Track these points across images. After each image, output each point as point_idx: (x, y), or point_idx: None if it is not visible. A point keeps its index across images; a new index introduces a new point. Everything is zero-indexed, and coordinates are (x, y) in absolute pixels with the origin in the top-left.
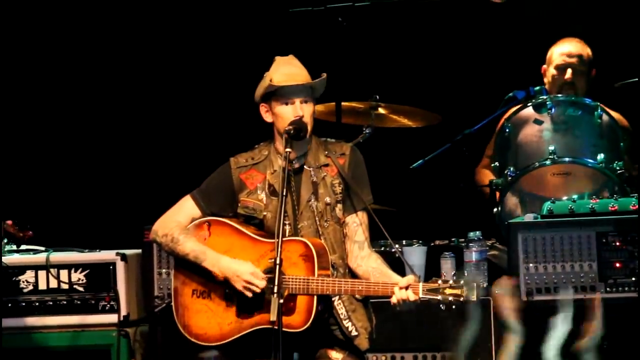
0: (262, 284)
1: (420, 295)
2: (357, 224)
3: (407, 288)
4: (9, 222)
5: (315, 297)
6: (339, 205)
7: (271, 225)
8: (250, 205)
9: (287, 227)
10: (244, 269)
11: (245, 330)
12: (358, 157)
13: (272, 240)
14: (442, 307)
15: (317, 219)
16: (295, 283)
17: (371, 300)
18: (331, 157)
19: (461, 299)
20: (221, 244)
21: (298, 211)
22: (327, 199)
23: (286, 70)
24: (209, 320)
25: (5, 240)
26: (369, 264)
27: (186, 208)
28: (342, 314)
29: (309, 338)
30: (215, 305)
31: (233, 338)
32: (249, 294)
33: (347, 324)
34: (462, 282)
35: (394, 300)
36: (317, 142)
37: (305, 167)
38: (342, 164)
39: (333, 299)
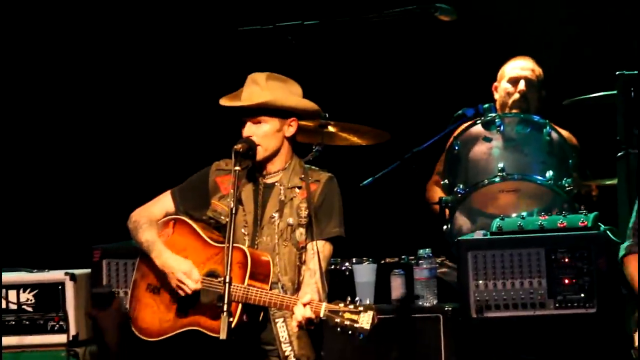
0: (193, 285)
1: (322, 315)
2: (313, 252)
3: (309, 305)
4: None
5: (240, 305)
6: (301, 229)
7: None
8: (218, 209)
9: (246, 238)
10: (180, 267)
11: (178, 329)
12: (332, 188)
13: (221, 245)
14: (338, 330)
15: (276, 237)
16: (222, 288)
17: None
18: (305, 181)
19: (355, 324)
20: (179, 243)
21: (260, 225)
22: (290, 220)
23: (244, 90)
24: (152, 315)
25: None
26: (304, 289)
27: (163, 202)
28: (282, 336)
29: (238, 351)
30: (161, 301)
31: (167, 336)
32: (181, 293)
33: (285, 347)
34: (361, 308)
35: (296, 316)
36: (298, 164)
37: (276, 184)
38: (313, 190)
39: (275, 319)
